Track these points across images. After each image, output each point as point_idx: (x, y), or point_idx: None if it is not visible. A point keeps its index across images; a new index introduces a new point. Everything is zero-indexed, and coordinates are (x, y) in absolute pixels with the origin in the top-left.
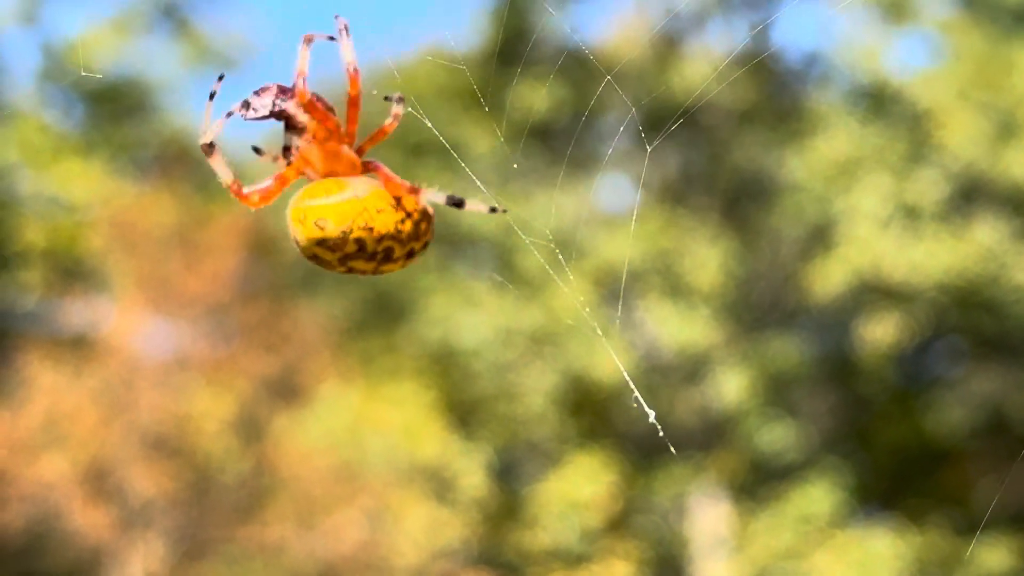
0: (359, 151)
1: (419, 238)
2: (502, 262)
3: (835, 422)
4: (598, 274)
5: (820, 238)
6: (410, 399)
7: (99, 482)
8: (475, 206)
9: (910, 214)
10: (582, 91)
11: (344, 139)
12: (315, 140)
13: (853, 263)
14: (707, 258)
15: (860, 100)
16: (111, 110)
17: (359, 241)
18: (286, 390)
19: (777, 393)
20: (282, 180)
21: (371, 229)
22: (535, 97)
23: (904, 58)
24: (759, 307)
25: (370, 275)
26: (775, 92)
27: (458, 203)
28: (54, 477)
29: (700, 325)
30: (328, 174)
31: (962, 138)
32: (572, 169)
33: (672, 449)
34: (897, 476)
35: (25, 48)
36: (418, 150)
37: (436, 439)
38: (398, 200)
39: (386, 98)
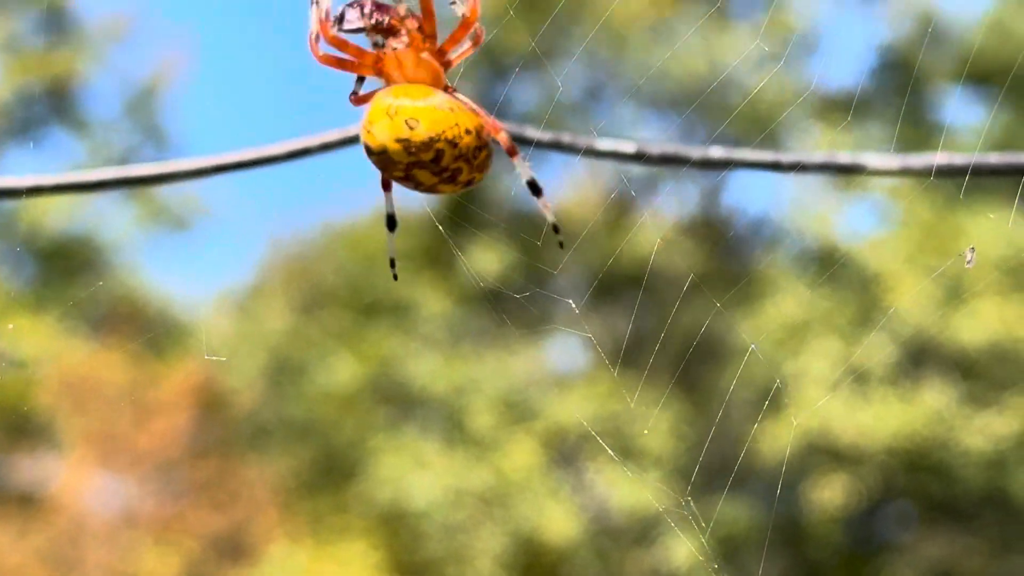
0: (445, 68)
1: (483, 169)
2: (452, 422)
3: None
4: (548, 435)
5: (770, 401)
6: (359, 559)
7: None
8: (546, 210)
9: (859, 378)
10: (534, 253)
11: (437, 53)
12: (412, 45)
13: (802, 426)
14: (657, 420)
15: (809, 264)
16: (62, 268)
17: (439, 152)
18: (234, 549)
19: (727, 556)
20: (361, 63)
21: (455, 145)
22: (487, 259)
23: (853, 223)
24: (709, 470)
25: (423, 190)
26: (725, 255)
27: (536, 189)
28: None
29: (650, 488)
30: (413, 82)
31: (911, 303)
32: (522, 330)
33: None
34: None
35: None
36: (369, 310)
37: None
38: (480, 129)
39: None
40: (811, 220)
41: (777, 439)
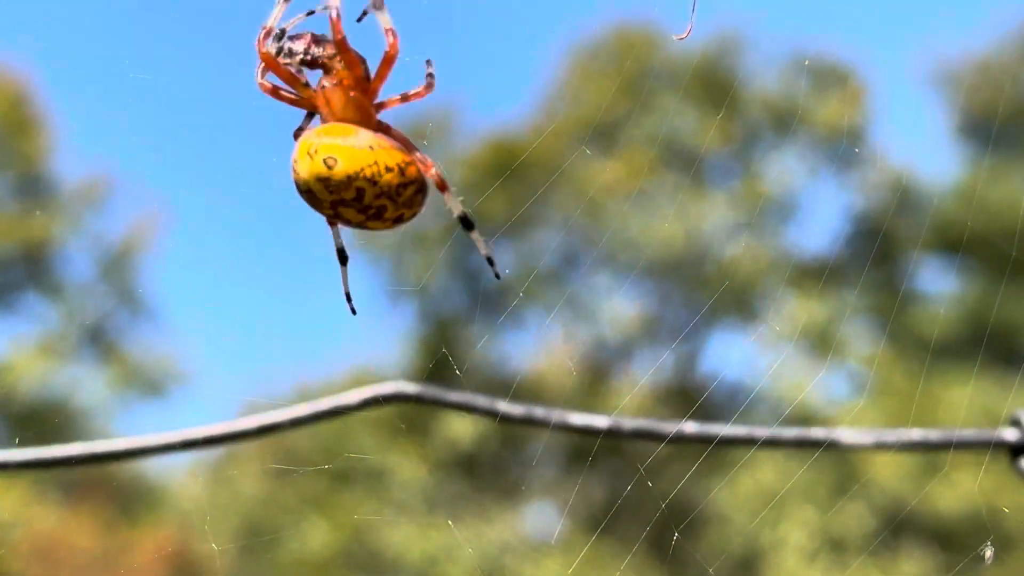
0: (378, 108)
1: (412, 207)
2: None
3: None
4: None
5: (747, 570)
6: None
7: None
8: (480, 243)
9: (837, 547)
10: (508, 421)
11: (368, 92)
12: (341, 85)
13: None
14: None
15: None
16: (35, 432)
17: (360, 191)
18: None
19: None
20: (296, 84)
21: (375, 183)
22: (461, 426)
23: (830, 391)
24: None
25: (351, 226)
26: (701, 422)
27: (468, 224)
28: None
29: None
30: (343, 121)
31: (888, 473)
32: (498, 497)
33: None
34: None
35: None
36: (343, 476)
37: None
38: (405, 166)
39: (428, 64)
40: (787, 388)
41: None
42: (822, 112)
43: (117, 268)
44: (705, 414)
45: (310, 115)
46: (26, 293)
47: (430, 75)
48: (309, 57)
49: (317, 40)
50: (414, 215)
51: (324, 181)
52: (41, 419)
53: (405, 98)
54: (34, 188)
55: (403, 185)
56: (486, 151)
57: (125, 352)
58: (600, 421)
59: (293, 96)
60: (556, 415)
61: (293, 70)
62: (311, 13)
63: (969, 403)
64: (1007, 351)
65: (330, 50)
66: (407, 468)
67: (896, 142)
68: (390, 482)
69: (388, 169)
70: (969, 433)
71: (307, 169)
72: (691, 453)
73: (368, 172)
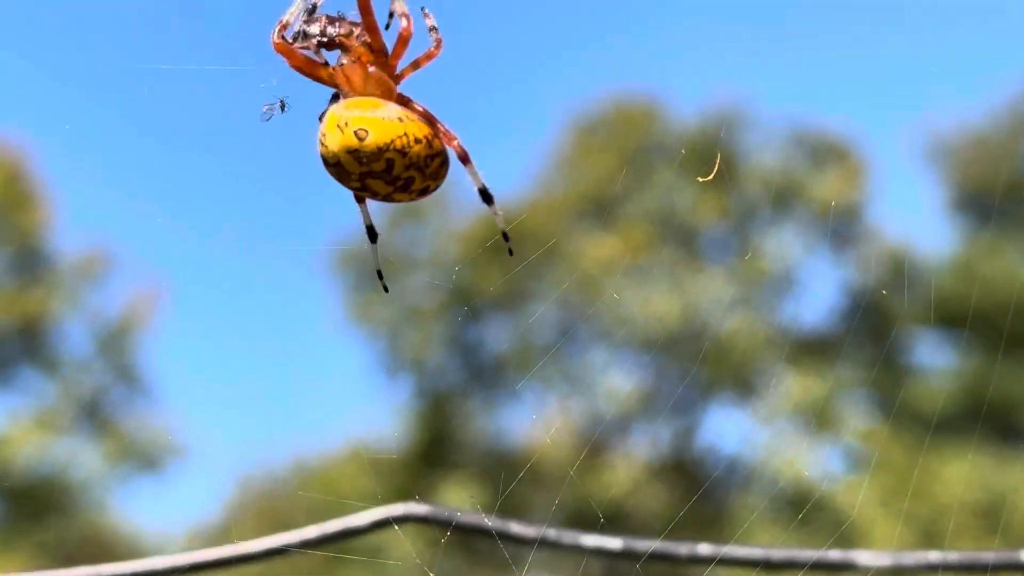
0: (396, 80)
1: (436, 179)
2: None
3: None
4: None
5: None
6: None
7: None
8: (498, 218)
9: None
10: (504, 491)
11: (386, 67)
12: (359, 60)
13: None
14: None
15: (784, 506)
16: (31, 507)
17: (390, 162)
18: None
19: None
20: (314, 65)
21: (405, 154)
22: (458, 497)
23: (827, 466)
24: None
25: (377, 198)
26: (698, 496)
27: (487, 197)
28: None
29: None
30: (365, 95)
31: (885, 547)
32: (495, 571)
33: None
34: None
35: None
36: (340, 550)
37: None
38: (432, 137)
39: (427, 17)
40: (784, 462)
41: None
42: (819, 188)
43: (114, 343)
44: (702, 488)
45: (335, 97)
46: (23, 368)
47: (433, 28)
48: (326, 38)
49: (332, 20)
50: (437, 187)
51: (354, 153)
52: (37, 493)
53: (417, 65)
54: (32, 263)
55: (431, 156)
56: (482, 225)
57: (121, 426)
58: (613, 543)
59: (307, 60)
60: (568, 537)
61: (311, 53)
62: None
63: (967, 479)
64: (1005, 426)
65: (346, 28)
66: (402, 543)
67: (893, 216)
68: (386, 556)
69: (417, 140)
70: (990, 556)
71: (337, 142)
72: (689, 525)
73: (399, 143)
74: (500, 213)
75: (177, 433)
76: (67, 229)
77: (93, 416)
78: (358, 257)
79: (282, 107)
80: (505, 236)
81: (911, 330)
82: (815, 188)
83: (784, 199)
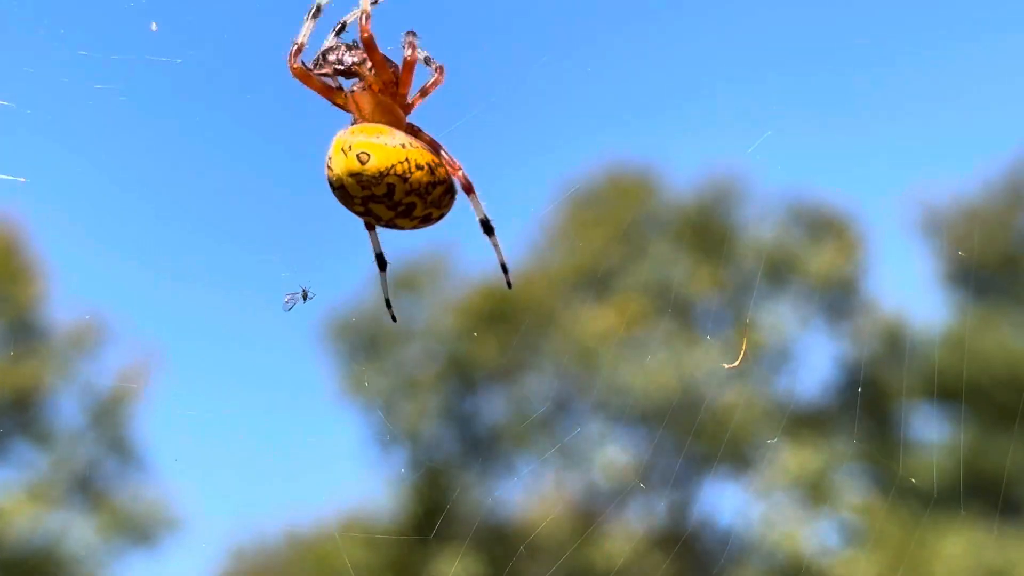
0: (406, 111)
1: (440, 207)
2: None
3: None
4: None
5: None
6: None
7: None
8: (497, 249)
9: None
10: (501, 564)
11: (396, 96)
12: (370, 88)
13: None
14: None
15: None
16: None
17: (391, 187)
18: None
19: None
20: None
21: (405, 180)
22: (455, 572)
23: (824, 540)
24: None
25: (381, 224)
26: (695, 568)
27: (488, 228)
28: None
29: None
30: (374, 122)
31: None
32: None
33: None
34: None
35: None
36: None
37: None
38: (435, 166)
39: (426, 60)
40: (780, 536)
41: None
42: (815, 261)
43: (107, 414)
44: (698, 562)
45: (354, 122)
46: (16, 440)
47: (428, 60)
48: (343, 66)
49: (349, 48)
50: (442, 216)
51: (356, 176)
52: (30, 567)
53: (424, 92)
54: (26, 335)
55: (432, 184)
56: (478, 297)
57: (114, 499)
58: None
59: (323, 85)
60: None
61: (329, 80)
62: (342, 29)
63: (965, 554)
64: (1002, 500)
65: (360, 57)
66: None
67: (889, 288)
68: None
69: (418, 167)
70: None
71: (341, 165)
72: None
73: (399, 169)
74: (500, 245)
75: (170, 505)
76: (61, 298)
77: (86, 488)
78: (354, 328)
79: (304, 297)
80: (504, 268)
81: (907, 403)
82: (811, 261)
83: (780, 272)
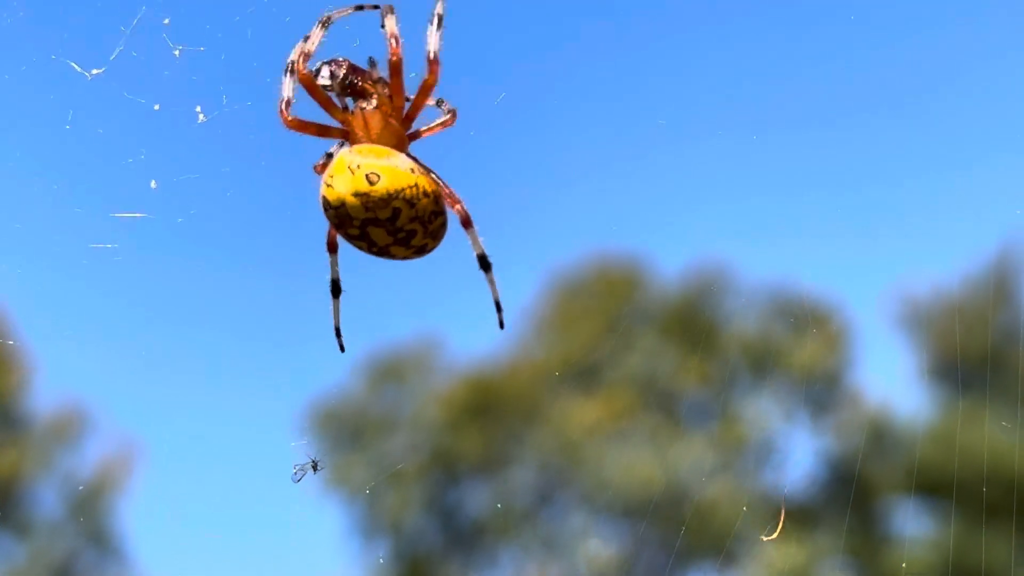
0: (411, 138)
1: (436, 238)
2: None
3: None
4: None
5: None
6: None
7: None
8: (492, 286)
9: None
10: None
11: (404, 122)
12: (380, 110)
13: None
14: None
15: None
16: None
17: (396, 211)
18: None
19: None
20: (324, 128)
21: (413, 205)
22: None
23: None
24: None
25: (375, 251)
26: None
27: (485, 264)
28: None
29: None
30: (377, 144)
31: None
32: None
33: None
34: None
35: None
36: None
37: None
38: (439, 195)
39: (438, 102)
40: None
41: None
42: (799, 354)
43: (86, 505)
44: None
45: (340, 144)
46: None
47: (440, 102)
48: (348, 83)
49: (355, 68)
50: (434, 248)
51: (362, 197)
52: None
53: (432, 129)
54: (5, 424)
55: (435, 213)
56: (463, 389)
57: None
58: None
59: (326, 98)
60: None
61: (333, 95)
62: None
63: None
64: None
65: (370, 76)
66: None
67: (872, 382)
68: None
69: (425, 194)
70: None
71: (346, 184)
72: None
73: (408, 193)
74: (495, 281)
75: None
76: (42, 388)
77: None
78: (336, 418)
79: (314, 468)
80: (498, 306)
81: (890, 498)
82: (794, 354)
83: (764, 365)
